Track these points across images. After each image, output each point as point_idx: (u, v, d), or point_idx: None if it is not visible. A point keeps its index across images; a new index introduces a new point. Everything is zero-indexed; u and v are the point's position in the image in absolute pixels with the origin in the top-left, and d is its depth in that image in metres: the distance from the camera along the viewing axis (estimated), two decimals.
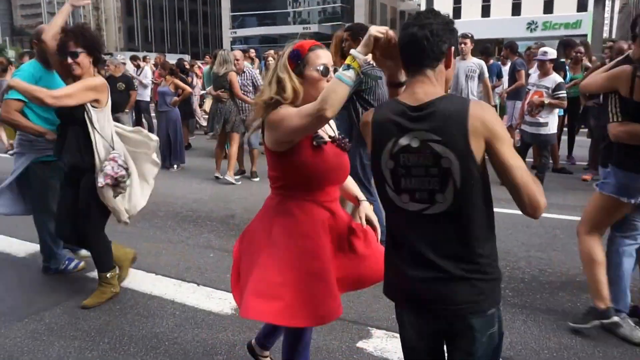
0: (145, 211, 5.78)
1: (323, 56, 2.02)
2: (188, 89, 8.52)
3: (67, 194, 3.53)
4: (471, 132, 1.51)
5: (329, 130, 2.19)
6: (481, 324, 1.62)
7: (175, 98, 8.27)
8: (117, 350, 2.97)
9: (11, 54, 36.23)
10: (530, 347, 2.96)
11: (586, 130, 8.52)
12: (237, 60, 7.30)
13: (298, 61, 2.00)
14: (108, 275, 3.56)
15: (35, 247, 4.50)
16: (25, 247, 4.04)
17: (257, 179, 7.37)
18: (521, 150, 6.75)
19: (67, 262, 4.09)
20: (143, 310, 3.45)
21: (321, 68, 1.99)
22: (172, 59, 12.70)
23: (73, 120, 3.35)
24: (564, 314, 3.34)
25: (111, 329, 3.21)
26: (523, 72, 7.78)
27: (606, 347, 2.94)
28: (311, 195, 2.08)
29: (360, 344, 3.00)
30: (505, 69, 8.59)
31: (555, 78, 6.33)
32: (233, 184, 7.14)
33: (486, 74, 7.12)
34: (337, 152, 2.11)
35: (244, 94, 7.18)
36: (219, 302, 3.55)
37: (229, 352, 2.94)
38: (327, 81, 1.98)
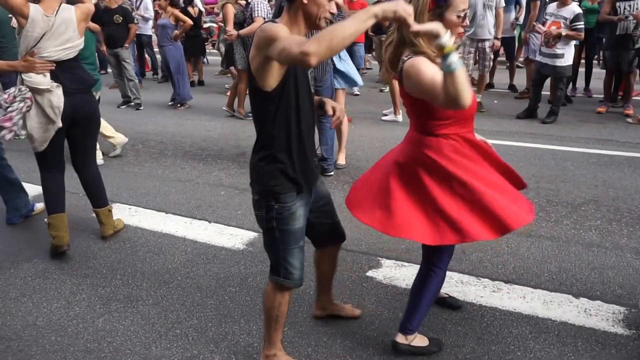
0: (153, 151, 5.79)
1: (466, 1, 2.03)
2: (189, 21, 7.97)
3: None
4: None
5: None
6: None
7: (176, 32, 7.77)
8: (129, 285, 3.04)
9: None
10: (532, 272, 3.04)
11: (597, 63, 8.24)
12: None
13: (442, 3, 1.99)
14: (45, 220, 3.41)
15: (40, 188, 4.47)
16: (30, 189, 4.05)
17: None
18: (537, 82, 6.58)
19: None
20: (154, 248, 3.50)
21: (462, 14, 2.02)
22: None
23: None
24: (567, 241, 3.40)
25: (123, 266, 3.27)
26: (538, 3, 7.46)
27: (602, 270, 3.03)
28: None
29: (370, 273, 3.06)
30: None
31: (573, 8, 6.09)
32: (242, 119, 7.06)
33: (502, 4, 6.82)
34: None
35: None
36: (231, 237, 3.59)
37: (241, 284, 3.00)
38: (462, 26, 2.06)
